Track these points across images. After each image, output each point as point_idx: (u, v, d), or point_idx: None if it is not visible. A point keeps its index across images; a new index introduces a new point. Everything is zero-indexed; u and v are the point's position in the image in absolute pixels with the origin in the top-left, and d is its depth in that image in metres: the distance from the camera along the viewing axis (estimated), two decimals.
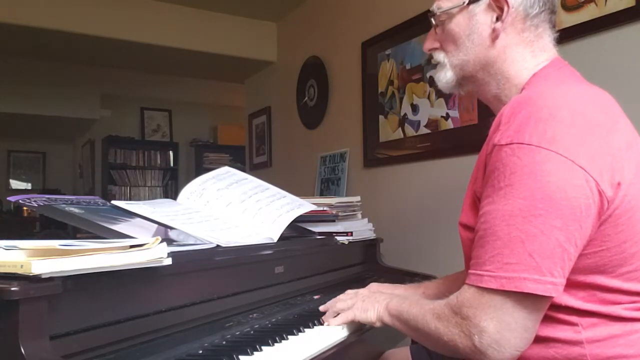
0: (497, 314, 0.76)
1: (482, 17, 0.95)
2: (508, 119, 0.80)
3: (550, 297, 0.77)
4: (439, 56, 1.03)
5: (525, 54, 0.94)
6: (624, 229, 0.78)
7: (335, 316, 1.09)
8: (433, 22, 1.02)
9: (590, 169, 0.75)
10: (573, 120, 0.78)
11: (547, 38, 0.96)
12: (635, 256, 0.80)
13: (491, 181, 0.80)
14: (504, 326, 0.76)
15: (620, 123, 0.84)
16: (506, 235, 0.76)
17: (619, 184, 0.77)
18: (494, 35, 0.94)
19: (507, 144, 0.78)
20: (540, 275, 0.74)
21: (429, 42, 1.05)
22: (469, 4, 0.96)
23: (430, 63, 2.26)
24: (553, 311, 0.81)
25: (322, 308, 1.15)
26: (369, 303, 1.04)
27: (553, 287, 0.75)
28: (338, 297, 1.15)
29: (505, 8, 0.92)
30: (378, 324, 1.02)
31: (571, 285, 0.80)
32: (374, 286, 1.25)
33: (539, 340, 0.82)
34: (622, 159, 0.79)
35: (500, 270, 0.76)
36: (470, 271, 0.81)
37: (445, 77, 1.02)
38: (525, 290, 0.74)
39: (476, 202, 0.85)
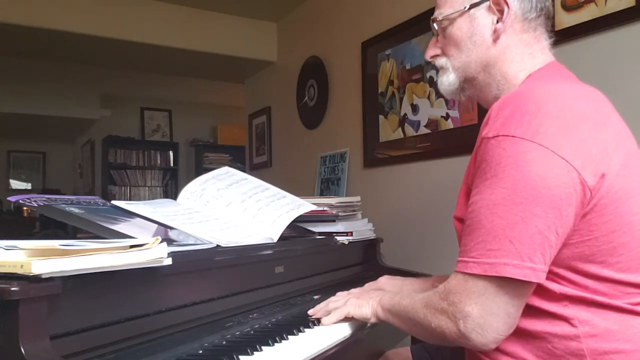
0: (480, 299, 0.79)
1: (483, 19, 0.98)
2: (497, 113, 0.83)
3: (532, 283, 0.79)
4: (441, 61, 1.05)
5: (524, 55, 0.97)
6: (610, 218, 0.80)
7: (328, 315, 1.09)
8: (435, 27, 1.04)
9: (572, 159, 0.77)
10: (559, 113, 0.80)
11: (544, 42, 0.99)
12: (625, 246, 0.81)
13: (479, 173, 0.83)
14: (487, 311, 0.79)
15: (611, 118, 0.86)
16: (489, 223, 0.79)
17: (603, 175, 0.79)
18: (495, 36, 0.97)
19: (493, 137, 0.81)
20: (519, 261, 0.77)
21: (431, 50, 1.07)
22: (470, 7, 0.98)
23: (430, 63, 2.28)
24: (549, 304, 0.82)
25: (310, 312, 1.15)
26: (363, 300, 1.06)
27: (532, 272, 0.77)
28: (329, 298, 1.16)
29: (506, 9, 0.95)
30: (373, 320, 1.03)
31: (562, 275, 0.82)
32: (383, 278, 1.29)
33: (536, 334, 0.83)
34: (609, 151, 0.81)
35: (483, 256, 0.79)
36: (457, 258, 0.84)
37: (447, 80, 1.04)
38: (505, 275, 0.77)
39: (469, 195, 0.87)
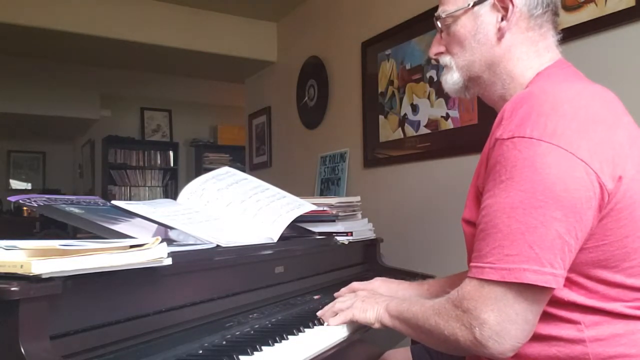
0: (497, 306, 0.77)
1: (487, 17, 0.96)
2: (510, 113, 0.81)
3: (551, 289, 0.77)
4: (445, 59, 1.03)
5: (530, 53, 0.95)
6: (625, 223, 0.79)
7: (334, 316, 1.09)
8: (439, 25, 1.02)
9: (591, 161, 0.76)
10: (575, 114, 0.78)
11: (550, 38, 0.97)
12: (637, 251, 0.80)
13: (493, 175, 0.80)
14: (504, 318, 0.76)
15: (624, 120, 0.85)
16: (506, 228, 0.76)
17: (620, 178, 0.77)
18: (500, 35, 0.95)
19: (508, 138, 0.79)
20: (540, 266, 0.74)
21: (435, 48, 1.05)
22: (473, 5, 0.96)
23: (430, 63, 2.28)
24: (556, 309, 0.81)
25: (319, 313, 1.14)
26: (369, 304, 1.04)
27: (553, 278, 0.75)
28: (337, 299, 1.15)
29: (510, 7, 0.93)
30: (377, 325, 1.01)
31: (574, 280, 0.80)
32: (377, 280, 1.26)
33: (541, 338, 0.82)
34: (625, 154, 0.79)
35: (500, 262, 0.76)
36: (471, 264, 0.81)
37: (452, 78, 1.02)
38: (525, 281, 0.75)
39: (479, 198, 0.86)
